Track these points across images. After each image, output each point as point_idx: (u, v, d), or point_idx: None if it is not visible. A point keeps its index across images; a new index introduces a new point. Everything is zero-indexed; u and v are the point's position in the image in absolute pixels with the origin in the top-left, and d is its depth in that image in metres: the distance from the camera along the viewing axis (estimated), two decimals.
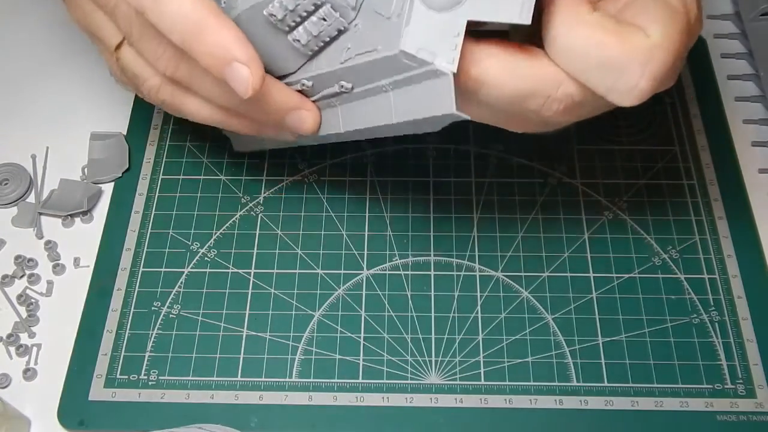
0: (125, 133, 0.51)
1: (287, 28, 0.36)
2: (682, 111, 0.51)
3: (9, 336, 0.43)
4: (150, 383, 0.42)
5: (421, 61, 0.31)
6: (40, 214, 0.48)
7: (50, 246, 0.47)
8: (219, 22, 0.34)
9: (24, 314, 0.44)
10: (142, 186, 0.49)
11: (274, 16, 0.35)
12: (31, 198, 0.49)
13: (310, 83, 0.38)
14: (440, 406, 0.41)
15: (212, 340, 0.43)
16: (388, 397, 0.41)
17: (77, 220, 0.48)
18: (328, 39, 0.36)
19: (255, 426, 0.41)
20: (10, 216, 0.48)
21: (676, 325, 0.43)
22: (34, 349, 0.44)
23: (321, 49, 0.37)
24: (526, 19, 0.30)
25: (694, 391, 0.41)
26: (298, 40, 0.36)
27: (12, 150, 0.50)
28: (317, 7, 0.35)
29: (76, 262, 0.46)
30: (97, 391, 0.42)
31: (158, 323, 0.44)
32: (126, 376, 0.42)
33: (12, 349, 0.43)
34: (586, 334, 0.43)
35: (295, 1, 0.34)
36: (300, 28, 0.36)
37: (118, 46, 0.39)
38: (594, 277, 0.45)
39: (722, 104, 0.52)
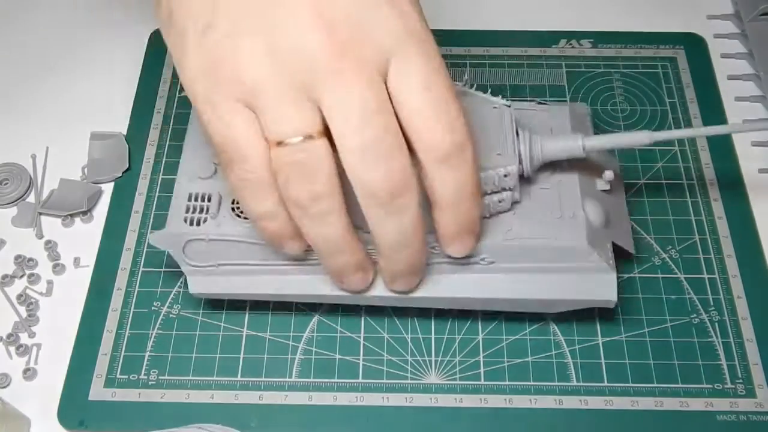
0: (125, 133, 0.51)
1: None
2: (682, 111, 0.51)
3: (9, 336, 0.43)
4: (150, 383, 0.42)
5: (596, 257, 0.40)
6: (40, 213, 0.48)
7: (50, 246, 0.47)
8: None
9: (24, 314, 0.44)
10: (142, 186, 0.49)
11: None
12: (31, 198, 0.49)
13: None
14: (440, 406, 0.41)
15: (212, 340, 0.43)
16: (388, 397, 0.41)
17: (77, 219, 0.48)
18: (488, 215, 0.40)
19: (255, 426, 0.41)
20: (10, 216, 0.48)
21: (675, 324, 0.43)
22: (34, 348, 0.44)
23: None
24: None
25: (694, 390, 0.41)
26: None
27: (12, 150, 0.50)
28: (503, 190, 0.40)
29: (76, 261, 0.46)
30: (97, 391, 0.42)
31: (158, 323, 0.44)
32: (126, 376, 0.42)
33: (12, 348, 0.43)
34: (585, 333, 0.43)
35: (497, 181, 0.39)
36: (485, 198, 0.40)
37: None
38: None
39: (722, 104, 0.52)
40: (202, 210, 0.41)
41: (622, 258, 0.45)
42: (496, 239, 0.40)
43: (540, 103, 0.46)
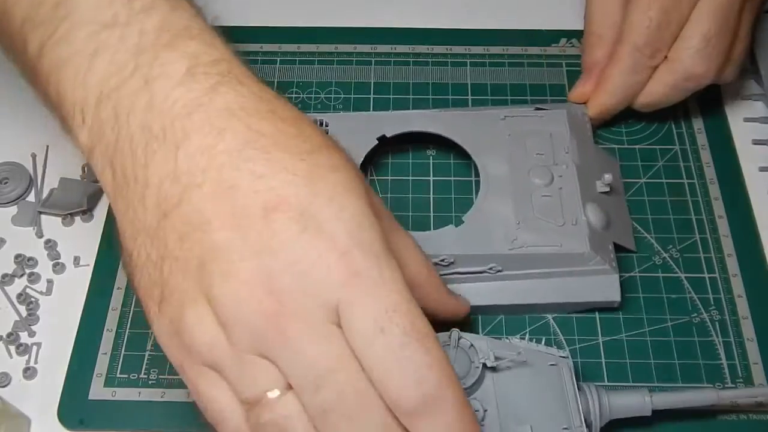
0: None
1: None
2: (682, 110, 0.51)
3: (9, 335, 0.43)
4: (150, 382, 0.42)
5: (598, 260, 0.41)
6: (40, 212, 0.48)
7: (50, 245, 0.47)
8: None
9: (24, 313, 0.44)
10: None
11: None
12: (31, 197, 0.49)
13: (452, 259, 0.41)
14: None
15: None
16: None
17: (77, 218, 0.48)
18: None
19: None
20: (10, 215, 0.48)
21: (676, 324, 0.43)
22: (34, 347, 0.44)
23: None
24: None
25: None
26: None
27: (12, 149, 0.50)
28: None
29: (76, 261, 0.46)
30: (97, 390, 0.42)
31: None
32: (126, 375, 0.42)
33: (12, 347, 0.43)
34: (586, 333, 0.43)
35: None
36: None
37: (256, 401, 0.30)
38: None
39: (722, 102, 0.52)
40: None
41: (621, 253, 0.45)
42: (502, 249, 0.41)
43: (537, 108, 0.46)
